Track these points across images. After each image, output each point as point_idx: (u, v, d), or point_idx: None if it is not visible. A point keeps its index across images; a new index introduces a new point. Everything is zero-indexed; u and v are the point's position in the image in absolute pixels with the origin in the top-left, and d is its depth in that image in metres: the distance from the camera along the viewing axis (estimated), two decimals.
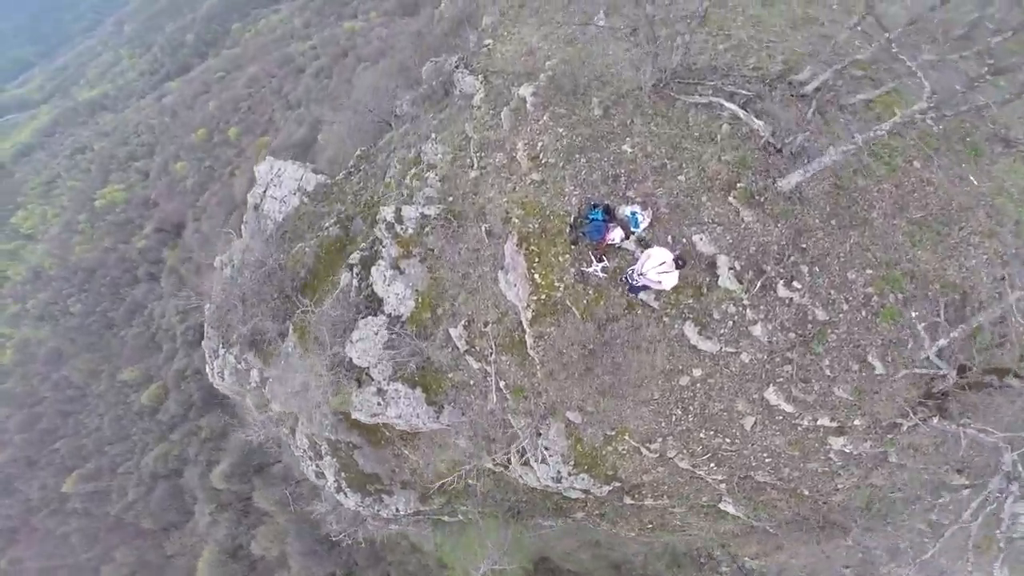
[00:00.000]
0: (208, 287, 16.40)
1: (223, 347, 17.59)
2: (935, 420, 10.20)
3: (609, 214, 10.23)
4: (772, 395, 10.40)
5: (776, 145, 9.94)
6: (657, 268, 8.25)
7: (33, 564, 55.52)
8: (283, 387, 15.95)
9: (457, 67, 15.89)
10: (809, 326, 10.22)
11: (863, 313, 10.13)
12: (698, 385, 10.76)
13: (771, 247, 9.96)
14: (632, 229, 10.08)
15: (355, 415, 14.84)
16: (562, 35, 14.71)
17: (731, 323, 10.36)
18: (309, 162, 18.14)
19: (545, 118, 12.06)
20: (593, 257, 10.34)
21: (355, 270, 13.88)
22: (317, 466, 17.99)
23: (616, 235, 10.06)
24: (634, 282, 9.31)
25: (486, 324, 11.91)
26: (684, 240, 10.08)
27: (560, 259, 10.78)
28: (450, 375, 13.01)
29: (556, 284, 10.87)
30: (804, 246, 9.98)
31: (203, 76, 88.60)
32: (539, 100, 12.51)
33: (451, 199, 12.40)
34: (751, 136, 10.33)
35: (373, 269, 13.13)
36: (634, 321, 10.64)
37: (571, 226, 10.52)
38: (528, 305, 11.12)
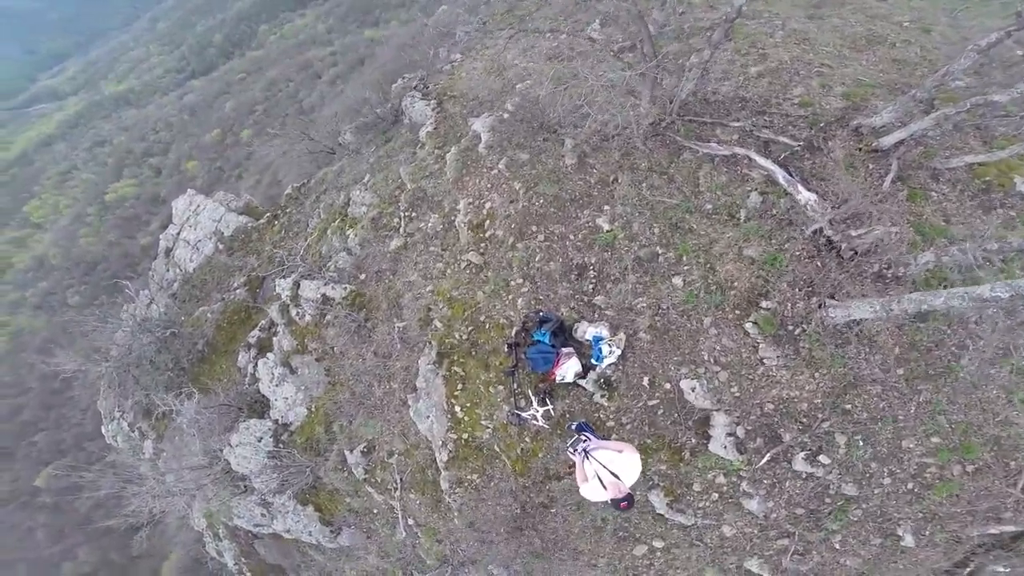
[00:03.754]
0: (105, 342, 13.25)
1: (118, 411, 14.49)
2: None
3: (563, 334, 6.65)
4: (755, 566, 7.01)
5: (832, 238, 6.20)
6: (609, 468, 4.62)
7: None
8: (178, 463, 12.89)
9: (414, 87, 12.53)
10: (827, 501, 6.60)
11: (909, 486, 6.50)
12: (658, 554, 7.23)
13: (798, 406, 6.25)
14: (594, 362, 6.48)
15: (237, 522, 11.57)
16: (545, 49, 11.30)
17: (716, 496, 6.74)
18: (238, 195, 14.88)
19: (501, 166, 8.58)
20: (533, 397, 6.75)
21: (252, 352, 10.49)
22: (217, 547, 14.98)
23: (569, 369, 6.47)
24: (573, 449, 5.49)
25: (391, 454, 8.36)
26: (668, 385, 6.41)
27: (491, 390, 7.19)
28: (348, 500, 9.53)
29: (483, 423, 7.30)
30: (848, 407, 6.25)
31: (225, 76, 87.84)
32: (497, 138, 9.05)
33: (363, 277, 8.91)
34: (793, 216, 6.56)
35: (260, 363, 9.71)
36: None
37: (511, 345, 6.95)
38: (444, 443, 7.57)
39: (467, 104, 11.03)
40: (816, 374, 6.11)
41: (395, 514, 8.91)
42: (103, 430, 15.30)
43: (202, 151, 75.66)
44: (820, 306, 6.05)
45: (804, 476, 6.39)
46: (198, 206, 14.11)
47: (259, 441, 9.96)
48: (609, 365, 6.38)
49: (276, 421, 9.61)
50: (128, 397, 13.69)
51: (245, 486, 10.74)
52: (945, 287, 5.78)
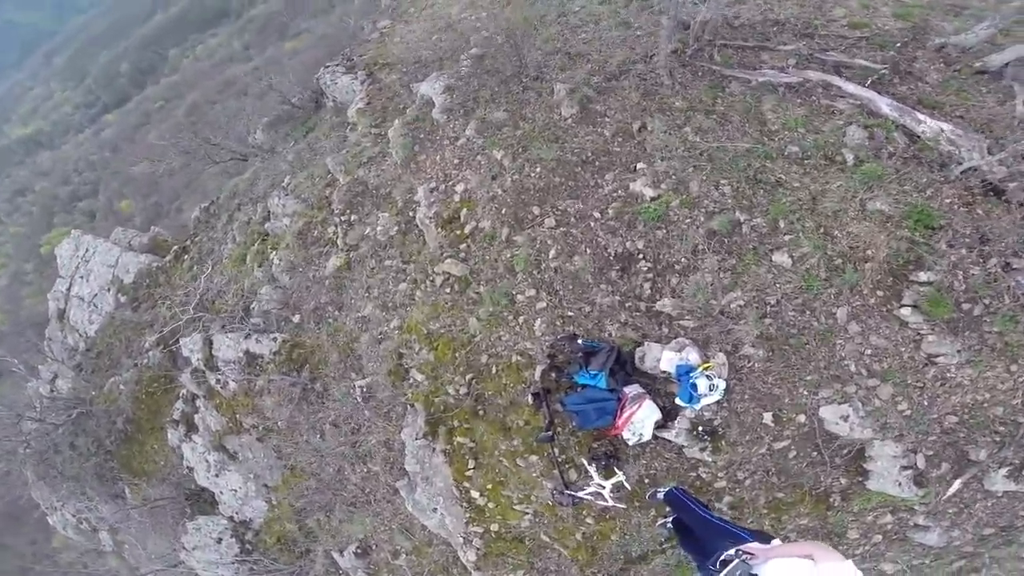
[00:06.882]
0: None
1: (57, 500, 10.92)
2: None
3: (622, 370, 3.89)
4: None
5: (990, 178, 3.78)
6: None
7: None
8: (147, 552, 9.72)
9: (336, 64, 9.05)
10: None
11: None
12: None
13: (990, 412, 3.84)
14: (682, 403, 3.79)
15: None
16: None
17: (879, 537, 4.42)
18: (142, 231, 11.10)
19: (469, 132, 5.53)
20: (590, 466, 4.02)
21: (181, 429, 7.19)
22: None
23: (645, 420, 3.75)
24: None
25: (396, 554, 5.51)
26: (803, 418, 3.84)
27: (519, 462, 4.41)
28: None
29: (517, 508, 4.53)
30: None
31: (141, 106, 77.11)
32: (457, 98, 5.96)
33: (297, 318, 5.76)
34: (920, 154, 4.13)
35: (187, 449, 6.51)
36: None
37: (536, 395, 4.14)
38: (467, 540, 4.79)
39: (407, 70, 7.71)
40: (1013, 366, 3.69)
41: None
42: (49, 521, 11.63)
43: (134, 187, 66.15)
44: (1005, 268, 3.58)
45: (1000, 494, 4.12)
46: (87, 250, 10.21)
47: (219, 543, 6.85)
48: (712, 403, 3.71)
49: (231, 518, 6.53)
50: (58, 488, 10.20)
51: None
52: None
